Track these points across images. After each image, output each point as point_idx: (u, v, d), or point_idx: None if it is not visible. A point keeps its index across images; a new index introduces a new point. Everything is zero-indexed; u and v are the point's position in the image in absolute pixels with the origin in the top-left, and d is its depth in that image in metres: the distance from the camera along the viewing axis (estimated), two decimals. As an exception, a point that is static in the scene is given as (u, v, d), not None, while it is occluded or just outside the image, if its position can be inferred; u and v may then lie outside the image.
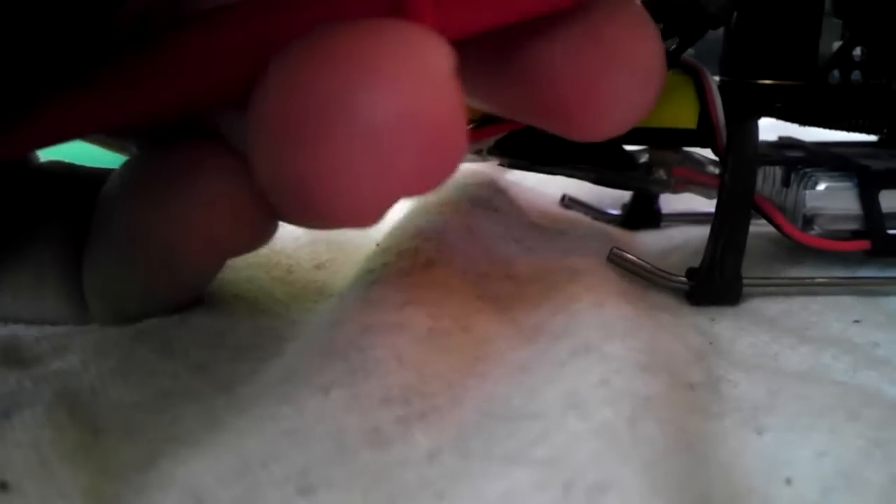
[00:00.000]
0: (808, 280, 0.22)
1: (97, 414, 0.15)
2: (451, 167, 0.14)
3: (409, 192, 0.14)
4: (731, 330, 0.20)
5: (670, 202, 0.30)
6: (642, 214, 0.30)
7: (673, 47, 0.21)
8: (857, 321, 0.20)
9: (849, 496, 0.13)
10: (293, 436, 0.13)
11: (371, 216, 0.14)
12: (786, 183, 0.24)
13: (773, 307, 0.22)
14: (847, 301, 0.22)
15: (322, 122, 0.12)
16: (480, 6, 0.15)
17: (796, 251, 0.25)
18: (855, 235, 0.23)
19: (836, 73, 0.24)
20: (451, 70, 0.13)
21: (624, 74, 0.16)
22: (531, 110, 0.18)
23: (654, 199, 0.30)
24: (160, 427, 0.15)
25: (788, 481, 0.14)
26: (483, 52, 0.17)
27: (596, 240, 0.25)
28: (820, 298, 0.22)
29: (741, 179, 0.22)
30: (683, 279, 0.22)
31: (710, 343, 0.19)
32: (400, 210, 0.25)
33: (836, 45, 0.25)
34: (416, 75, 0.13)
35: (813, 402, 0.16)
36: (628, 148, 0.25)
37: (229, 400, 0.15)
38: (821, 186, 0.23)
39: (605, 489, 0.12)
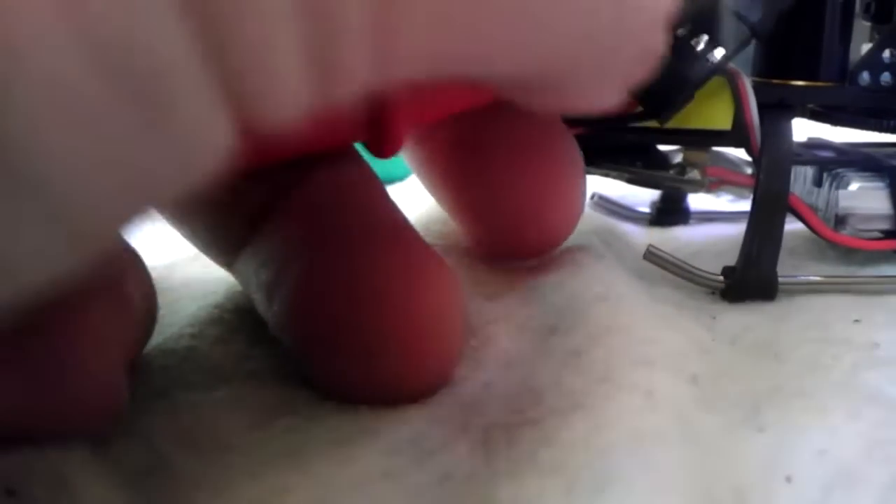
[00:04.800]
0: (843, 278, 0.23)
1: None
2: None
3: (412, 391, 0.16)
4: (731, 328, 0.20)
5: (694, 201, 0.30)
6: (671, 212, 0.30)
7: (717, 58, 0.21)
8: (857, 320, 0.21)
9: (849, 495, 0.14)
10: (307, 473, 0.14)
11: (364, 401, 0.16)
12: (818, 183, 0.24)
13: (773, 306, 0.22)
14: (848, 300, 0.22)
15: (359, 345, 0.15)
16: (439, 102, 0.18)
17: (814, 248, 0.25)
18: (886, 235, 0.24)
19: (865, 74, 0.25)
20: (453, 293, 0.16)
21: (533, 230, 0.20)
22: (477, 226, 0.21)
23: (683, 197, 0.30)
24: (169, 433, 0.15)
25: (789, 479, 0.14)
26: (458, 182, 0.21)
27: (598, 235, 0.25)
28: (820, 298, 0.22)
29: (776, 179, 0.22)
30: (720, 277, 0.22)
31: (713, 340, 0.20)
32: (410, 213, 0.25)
33: (866, 47, 0.25)
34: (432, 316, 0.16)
35: (813, 401, 0.16)
36: (662, 148, 0.26)
37: (237, 424, 0.16)
38: (853, 186, 0.24)
39: (609, 485, 0.12)
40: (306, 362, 0.16)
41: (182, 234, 0.20)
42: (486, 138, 0.20)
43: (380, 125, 0.17)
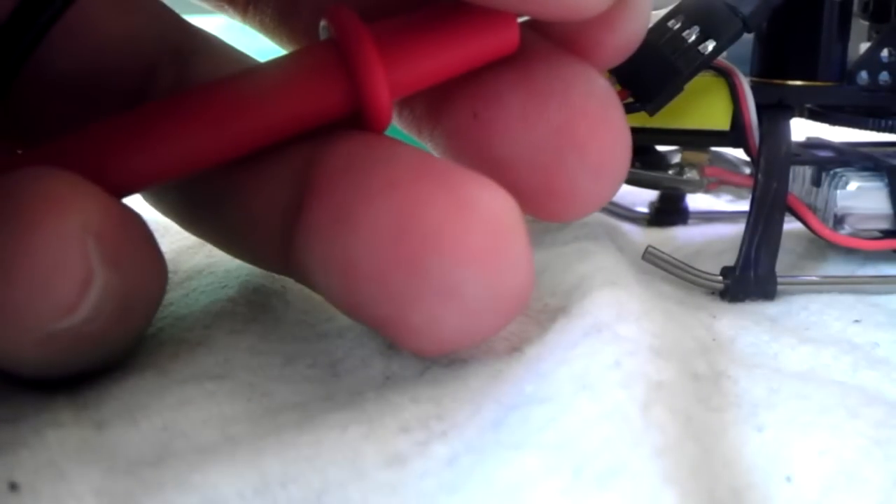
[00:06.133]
0: (842, 278, 0.23)
1: (100, 408, 0.15)
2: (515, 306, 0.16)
3: (480, 325, 0.16)
4: (731, 328, 0.20)
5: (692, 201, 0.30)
6: (670, 212, 0.30)
7: (709, 50, 0.21)
8: (857, 321, 0.21)
9: (849, 495, 0.14)
10: (311, 461, 0.14)
11: (446, 347, 0.16)
12: (816, 182, 0.24)
13: (773, 307, 0.22)
14: (847, 301, 0.22)
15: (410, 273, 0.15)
16: (426, 67, 0.17)
17: (813, 248, 0.25)
18: (885, 235, 0.24)
19: (864, 74, 0.25)
20: (510, 214, 0.15)
21: (581, 172, 0.18)
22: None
23: (681, 198, 0.30)
24: (165, 418, 0.15)
25: (789, 479, 0.14)
26: (458, 134, 0.19)
27: (604, 228, 0.25)
28: (820, 298, 0.22)
29: (775, 179, 0.22)
30: (719, 278, 0.22)
31: (713, 339, 0.20)
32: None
33: (864, 46, 0.25)
34: (490, 244, 0.15)
35: (813, 401, 0.16)
36: (661, 148, 0.26)
37: (242, 413, 0.15)
38: (852, 186, 0.24)
39: (616, 474, 0.12)
40: (392, 330, 0.16)
41: (227, 251, 0.20)
42: (498, 95, 0.19)
43: (363, 94, 0.16)
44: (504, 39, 0.17)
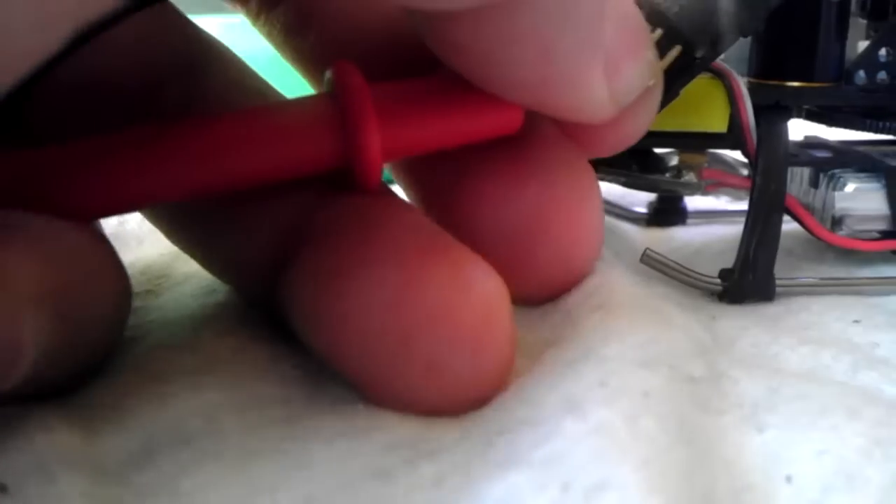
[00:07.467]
0: (841, 279, 0.23)
1: (88, 411, 0.15)
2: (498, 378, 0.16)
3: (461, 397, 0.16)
4: (731, 329, 0.20)
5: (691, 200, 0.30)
6: (668, 212, 0.30)
7: (703, 54, 0.21)
8: (857, 321, 0.21)
9: (849, 495, 0.14)
10: (299, 471, 0.14)
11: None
12: (814, 184, 0.24)
13: (773, 307, 0.22)
14: (847, 301, 0.22)
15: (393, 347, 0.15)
16: (422, 137, 0.17)
17: (812, 249, 0.25)
18: (883, 235, 0.24)
19: (862, 73, 0.25)
20: (502, 298, 0.15)
21: (549, 258, 0.18)
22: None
23: (680, 198, 0.30)
24: (160, 425, 0.15)
25: (789, 479, 0.14)
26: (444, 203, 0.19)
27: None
28: (820, 298, 0.22)
29: (772, 181, 0.22)
30: (717, 280, 0.22)
31: (713, 340, 0.20)
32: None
33: (862, 44, 0.25)
34: (476, 315, 0.15)
35: (813, 401, 0.16)
36: (658, 151, 0.26)
37: (233, 419, 0.15)
38: (849, 188, 0.24)
39: (603, 488, 0.12)
40: (363, 387, 0.16)
41: (213, 272, 0.20)
42: (482, 163, 0.19)
43: (355, 154, 0.16)
44: (506, 123, 0.17)
